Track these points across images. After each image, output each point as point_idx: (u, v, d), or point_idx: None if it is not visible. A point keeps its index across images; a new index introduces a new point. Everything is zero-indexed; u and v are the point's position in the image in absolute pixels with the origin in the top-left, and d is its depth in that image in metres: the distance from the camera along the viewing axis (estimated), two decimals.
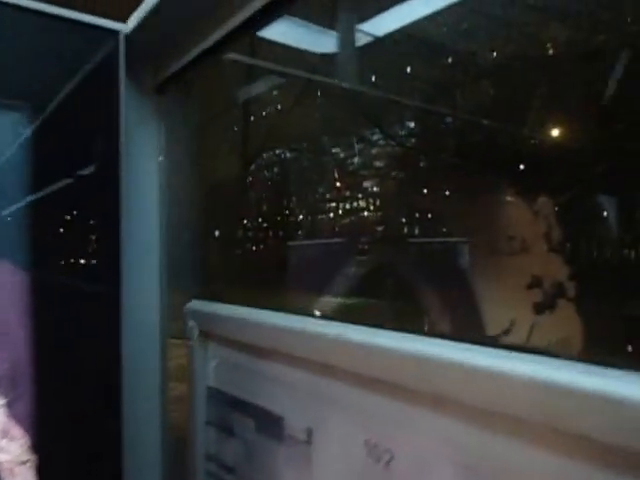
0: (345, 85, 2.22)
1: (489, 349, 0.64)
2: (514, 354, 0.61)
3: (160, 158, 1.38)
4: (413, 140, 3.22)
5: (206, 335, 1.14)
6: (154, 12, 1.17)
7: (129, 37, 1.24)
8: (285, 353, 0.93)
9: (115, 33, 1.23)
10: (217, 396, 1.12)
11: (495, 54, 2.77)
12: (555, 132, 2.80)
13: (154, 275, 1.40)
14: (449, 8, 2.05)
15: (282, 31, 1.92)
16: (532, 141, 2.92)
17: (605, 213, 2.88)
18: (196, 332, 1.14)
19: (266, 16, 1.06)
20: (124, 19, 1.24)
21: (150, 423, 1.34)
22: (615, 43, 2.43)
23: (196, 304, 1.19)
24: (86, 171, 1.44)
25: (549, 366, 0.56)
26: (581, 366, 0.56)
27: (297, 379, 0.92)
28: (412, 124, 3.12)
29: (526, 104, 3.02)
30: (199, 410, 1.15)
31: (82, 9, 1.20)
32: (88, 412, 1.25)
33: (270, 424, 0.95)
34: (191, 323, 1.15)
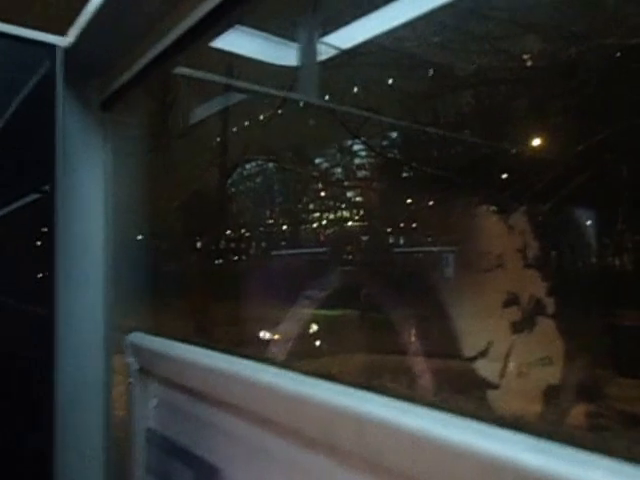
0: (311, 99, 2.16)
1: (437, 413, 0.57)
2: (462, 422, 0.54)
3: (105, 176, 1.30)
4: (380, 152, 3.17)
5: (146, 372, 1.06)
6: (94, 24, 1.09)
7: (69, 51, 1.16)
8: (223, 399, 0.85)
9: (52, 47, 1.15)
10: (156, 440, 1.03)
11: (469, 67, 2.74)
12: (529, 145, 2.77)
13: (98, 294, 1.31)
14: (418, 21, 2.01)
15: (254, 47, 1.86)
16: (506, 154, 2.89)
17: (582, 227, 2.85)
18: (135, 368, 1.06)
19: (213, 25, 0.99)
20: (63, 32, 1.15)
21: (90, 464, 1.24)
22: (589, 56, 2.41)
23: (137, 337, 1.10)
24: (27, 191, 1.35)
25: (496, 440, 0.50)
26: (530, 442, 0.49)
27: (237, 428, 0.84)
28: (383, 136, 3.08)
29: (498, 117, 2.98)
30: (138, 453, 1.06)
31: (16, 23, 1.11)
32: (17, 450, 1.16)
33: (208, 477, 0.87)
34: (130, 359, 1.07)
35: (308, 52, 1.73)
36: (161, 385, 1.03)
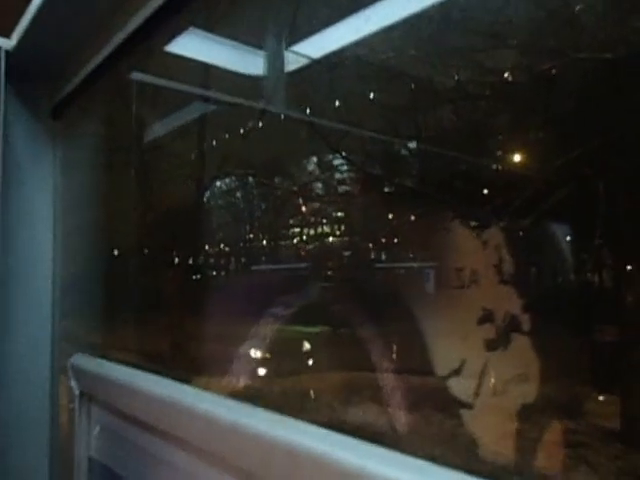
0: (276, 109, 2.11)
1: (374, 448, 0.51)
2: (399, 458, 0.49)
3: (55, 189, 1.23)
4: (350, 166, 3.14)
5: (89, 397, 0.98)
6: (38, 24, 1.03)
7: (13, 54, 1.10)
8: (165, 429, 0.78)
9: None
10: (98, 470, 0.95)
11: (448, 81, 2.72)
12: (508, 160, 2.75)
13: (45, 313, 1.24)
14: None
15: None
16: (487, 170, 2.87)
17: (559, 242, 2.83)
18: (77, 392, 0.98)
19: (160, 26, 0.94)
20: (7, 34, 1.09)
21: None
22: (564, 70, 2.41)
23: (80, 359, 1.03)
24: None
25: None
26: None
27: (179, 460, 0.77)
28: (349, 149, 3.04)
29: (479, 132, 2.97)
30: None
31: None
32: None
33: None
34: (73, 383, 0.99)
35: (276, 61, 1.69)
36: (104, 411, 0.96)
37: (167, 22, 0.93)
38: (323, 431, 0.56)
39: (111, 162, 1.79)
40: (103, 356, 1.02)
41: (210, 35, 1.59)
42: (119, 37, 0.98)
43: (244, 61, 1.74)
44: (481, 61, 2.69)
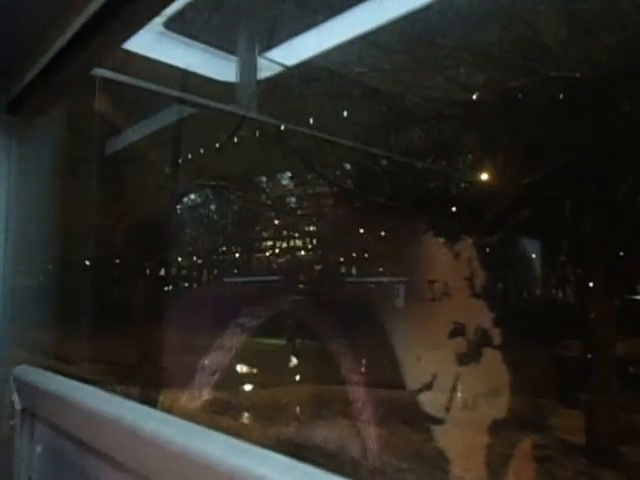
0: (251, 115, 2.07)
1: (337, 478, 0.46)
2: None
3: (8, 187, 1.14)
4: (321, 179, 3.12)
5: (32, 413, 0.90)
6: None
7: None
8: (109, 451, 0.71)
9: None
10: None
11: (420, 100, 2.71)
12: (477, 179, 2.76)
13: None
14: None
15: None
16: (457, 187, 2.87)
17: (527, 258, 2.84)
18: (19, 408, 0.90)
19: (110, 20, 0.87)
20: None
21: None
22: (535, 88, 2.43)
23: (23, 371, 0.94)
24: None
25: None
26: None
27: None
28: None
29: (449, 151, 2.96)
30: None
31: None
32: None
33: None
34: (15, 397, 0.91)
35: (248, 67, 1.65)
36: (48, 430, 0.88)
37: (125, 15, 0.87)
38: (284, 459, 0.51)
39: (71, 160, 1.70)
40: (50, 368, 0.94)
41: (185, 40, 1.54)
42: (73, 29, 0.92)
43: (218, 68, 1.69)
44: (453, 78, 2.69)
